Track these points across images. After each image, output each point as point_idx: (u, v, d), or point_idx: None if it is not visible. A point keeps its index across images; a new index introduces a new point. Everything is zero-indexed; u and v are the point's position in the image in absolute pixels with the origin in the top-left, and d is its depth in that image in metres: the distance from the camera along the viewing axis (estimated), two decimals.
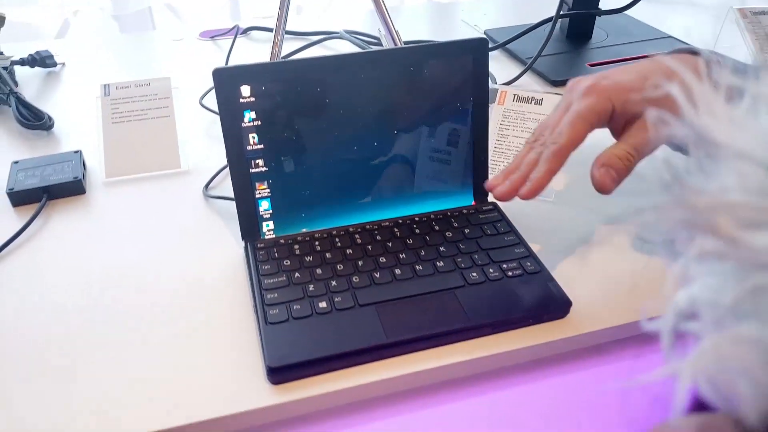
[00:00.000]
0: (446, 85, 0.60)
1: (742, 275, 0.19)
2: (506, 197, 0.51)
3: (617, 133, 0.53)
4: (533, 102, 0.72)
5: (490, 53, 1.02)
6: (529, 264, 0.56)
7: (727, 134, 0.21)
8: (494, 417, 0.48)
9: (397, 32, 0.79)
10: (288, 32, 1.05)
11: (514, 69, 0.95)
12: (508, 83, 0.91)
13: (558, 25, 1.05)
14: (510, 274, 0.55)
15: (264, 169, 0.58)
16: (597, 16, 1.03)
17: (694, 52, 0.53)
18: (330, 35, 1.05)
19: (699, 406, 0.29)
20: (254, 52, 1.04)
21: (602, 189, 0.49)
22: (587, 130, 0.51)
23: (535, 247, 0.59)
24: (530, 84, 0.94)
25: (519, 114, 0.72)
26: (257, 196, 0.58)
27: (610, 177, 0.49)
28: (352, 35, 1.04)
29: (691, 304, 0.21)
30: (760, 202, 0.19)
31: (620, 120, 0.52)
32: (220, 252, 0.61)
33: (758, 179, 0.20)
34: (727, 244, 0.19)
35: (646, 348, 0.43)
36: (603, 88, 0.51)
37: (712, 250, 0.20)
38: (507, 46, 1.01)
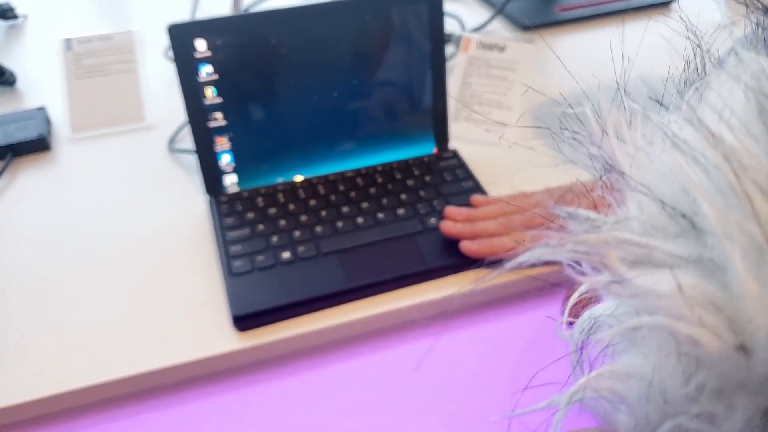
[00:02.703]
0: (403, 33, 0.60)
1: (624, 313, 0.20)
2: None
3: None
4: (496, 49, 0.72)
5: None
6: None
7: (631, 163, 0.21)
8: (453, 354, 0.51)
9: None
10: None
11: (487, 15, 0.94)
12: (478, 29, 0.90)
13: None
14: None
15: (223, 122, 0.58)
16: None
17: None
18: None
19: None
20: (224, 2, 1.02)
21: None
22: None
23: (492, 192, 0.60)
24: (500, 30, 0.93)
25: (483, 61, 0.72)
26: (218, 149, 0.59)
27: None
28: None
29: (593, 324, 0.22)
30: (647, 240, 0.18)
31: None
32: (185, 205, 0.61)
33: (652, 214, 0.19)
34: (614, 280, 0.19)
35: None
36: None
37: (601, 285, 0.20)
38: None
